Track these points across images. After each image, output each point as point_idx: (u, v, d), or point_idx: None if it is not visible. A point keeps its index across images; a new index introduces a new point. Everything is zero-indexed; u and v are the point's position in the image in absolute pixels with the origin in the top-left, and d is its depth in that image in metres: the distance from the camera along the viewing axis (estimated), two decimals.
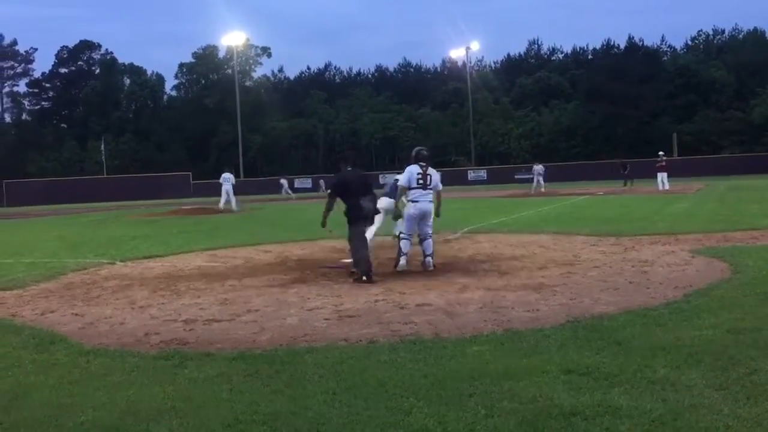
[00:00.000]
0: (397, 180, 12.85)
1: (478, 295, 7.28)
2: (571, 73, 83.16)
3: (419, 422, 3.72)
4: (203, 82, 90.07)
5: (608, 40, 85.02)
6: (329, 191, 9.43)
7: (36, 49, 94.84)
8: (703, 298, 6.59)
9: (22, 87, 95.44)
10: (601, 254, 10.18)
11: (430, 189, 9.65)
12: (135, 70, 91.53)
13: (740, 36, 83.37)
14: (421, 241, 9.66)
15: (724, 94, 72.21)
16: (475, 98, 76.33)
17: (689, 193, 29.04)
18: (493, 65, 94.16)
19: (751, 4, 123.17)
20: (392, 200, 11.46)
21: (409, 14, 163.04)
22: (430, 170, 9.73)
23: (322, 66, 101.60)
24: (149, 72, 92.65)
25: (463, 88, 77.12)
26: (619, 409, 3.75)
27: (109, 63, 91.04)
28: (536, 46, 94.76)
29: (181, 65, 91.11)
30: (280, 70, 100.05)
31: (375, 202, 9.34)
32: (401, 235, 9.67)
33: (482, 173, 67.90)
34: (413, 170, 9.59)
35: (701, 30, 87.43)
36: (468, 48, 76.63)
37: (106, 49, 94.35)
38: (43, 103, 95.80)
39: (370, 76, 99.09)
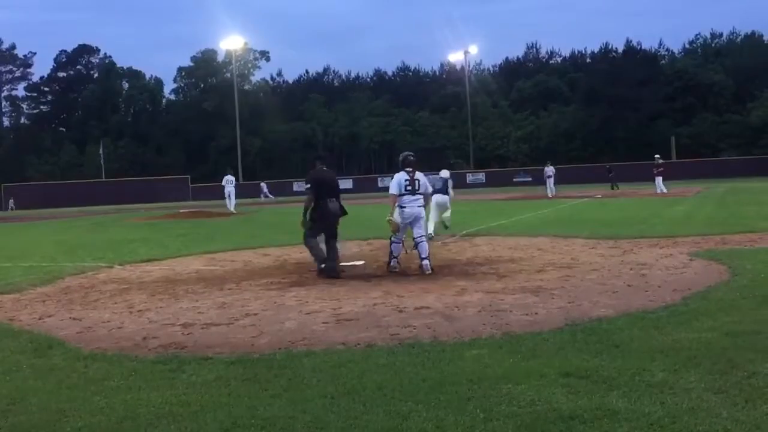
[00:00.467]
0: (441, 177, 15.75)
1: (477, 298, 7.27)
2: (570, 77, 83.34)
3: (418, 426, 3.71)
4: (202, 85, 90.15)
5: (606, 43, 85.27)
6: (307, 187, 9.68)
7: (35, 53, 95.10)
8: (702, 301, 6.59)
9: (20, 91, 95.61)
10: (600, 257, 10.18)
11: (420, 194, 9.82)
12: (134, 74, 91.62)
13: (738, 39, 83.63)
14: (416, 245, 9.73)
15: (722, 97, 72.39)
16: (473, 102, 76.46)
17: (688, 195, 29.06)
18: (491, 69, 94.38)
19: (748, 8, 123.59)
20: (446, 196, 15.05)
21: (407, 18, 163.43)
22: (418, 175, 9.87)
23: (320, 70, 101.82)
24: (148, 76, 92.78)
25: (462, 91, 77.24)
26: (618, 413, 3.74)
27: (108, 67, 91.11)
28: (534, 49, 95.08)
29: (179, 69, 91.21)
30: (279, 74, 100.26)
31: (340, 204, 9.74)
32: (392, 239, 9.80)
33: (481, 176, 67.97)
34: (401, 177, 9.77)
35: (699, 33, 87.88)
36: (466, 52, 76.80)
37: (105, 53, 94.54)
38: (41, 107, 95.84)
39: (368, 79, 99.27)
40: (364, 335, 5.81)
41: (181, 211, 33.44)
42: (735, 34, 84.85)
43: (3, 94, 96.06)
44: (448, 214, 15.21)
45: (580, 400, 3.96)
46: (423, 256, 9.57)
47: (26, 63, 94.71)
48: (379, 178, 70.73)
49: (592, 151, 69.18)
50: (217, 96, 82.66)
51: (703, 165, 59.85)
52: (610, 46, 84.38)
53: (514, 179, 64.07)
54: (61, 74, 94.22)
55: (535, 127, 77.28)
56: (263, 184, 51.07)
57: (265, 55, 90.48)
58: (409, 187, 9.71)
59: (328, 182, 9.76)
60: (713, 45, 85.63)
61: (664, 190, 31.07)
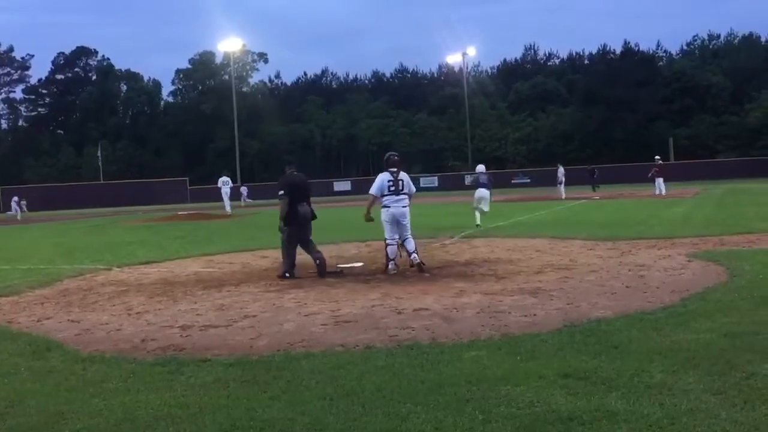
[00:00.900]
0: (482, 172, 18.10)
1: (475, 300, 7.27)
2: (568, 78, 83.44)
3: (417, 428, 3.71)
4: (200, 88, 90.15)
5: (604, 45, 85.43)
6: (281, 193, 9.82)
7: (32, 56, 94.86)
8: (700, 302, 6.59)
9: (18, 93, 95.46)
10: (598, 258, 10.19)
11: (404, 193, 9.90)
12: (132, 77, 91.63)
13: (735, 41, 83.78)
14: (403, 242, 9.90)
15: (720, 99, 72.50)
16: (471, 103, 76.52)
17: (686, 197, 29.09)
18: (489, 70, 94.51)
19: (746, 9, 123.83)
20: (486, 191, 17.30)
21: (405, 20, 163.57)
22: (402, 175, 9.97)
23: (318, 72, 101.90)
24: (146, 78, 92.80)
25: (460, 93, 77.29)
26: (617, 414, 3.74)
27: (106, 69, 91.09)
28: (532, 51, 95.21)
29: (177, 71, 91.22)
30: (277, 76, 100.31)
31: (311, 207, 9.94)
32: (386, 241, 9.86)
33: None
34: (384, 178, 9.89)
35: (697, 35, 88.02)
36: (464, 53, 76.82)
37: (103, 56, 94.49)
38: (39, 109, 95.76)
39: (366, 81, 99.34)
40: (362, 337, 5.81)
41: (180, 213, 33.42)
42: (732, 36, 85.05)
43: (1, 97, 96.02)
44: (487, 208, 17.36)
45: (579, 401, 3.96)
46: (411, 250, 9.77)
47: (24, 65, 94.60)
48: None
49: (590, 152, 69.19)
50: (216, 98, 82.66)
51: (701, 166, 59.95)
52: (608, 48, 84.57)
53: (513, 181, 64.11)
54: (59, 76, 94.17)
55: (533, 128, 77.33)
56: (244, 188, 50.36)
57: (263, 57, 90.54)
58: (392, 188, 9.84)
59: (300, 186, 9.94)
60: (711, 46, 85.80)
61: (663, 192, 31.04)
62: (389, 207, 9.84)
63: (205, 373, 4.91)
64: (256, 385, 4.59)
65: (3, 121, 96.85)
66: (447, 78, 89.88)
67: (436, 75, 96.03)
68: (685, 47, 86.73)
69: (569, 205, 26.73)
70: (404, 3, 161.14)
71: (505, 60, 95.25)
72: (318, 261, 9.72)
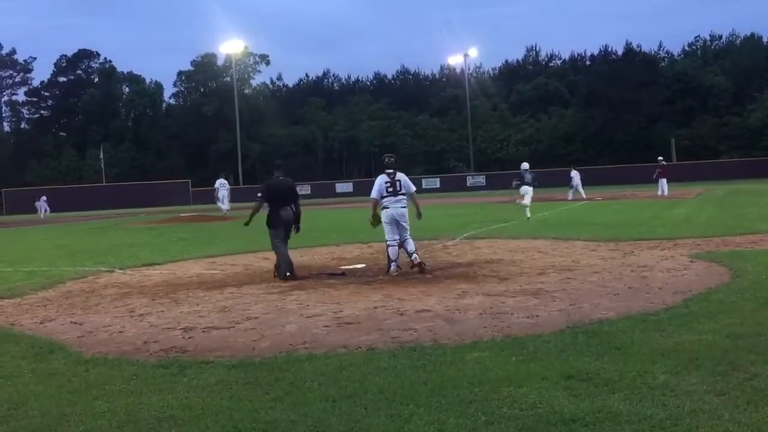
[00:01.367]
0: (526, 170, 21.59)
1: (478, 301, 7.27)
2: (569, 79, 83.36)
3: (419, 429, 3.71)
4: (202, 90, 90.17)
5: (606, 46, 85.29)
6: (258, 195, 10.26)
7: (35, 58, 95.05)
8: (703, 303, 6.59)
9: (20, 96, 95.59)
10: (601, 259, 10.18)
11: (402, 194, 9.97)
12: (134, 79, 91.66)
13: (737, 41, 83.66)
14: (402, 243, 9.96)
15: (722, 99, 72.38)
16: (473, 105, 76.48)
17: (688, 198, 29.06)
18: (491, 72, 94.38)
19: (748, 10, 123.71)
20: (530, 188, 20.78)
21: (407, 22, 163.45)
22: (399, 176, 10.04)
23: (320, 73, 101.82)
24: (148, 80, 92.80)
25: (462, 94, 77.25)
26: (620, 415, 3.74)
27: (108, 71, 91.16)
28: (534, 52, 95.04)
29: (179, 73, 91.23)
30: (279, 78, 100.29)
31: (297, 210, 10.07)
32: (387, 242, 9.88)
33: (481, 179, 67.96)
34: (381, 180, 9.99)
35: (698, 36, 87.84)
36: (466, 55, 76.78)
37: (105, 58, 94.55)
38: (42, 111, 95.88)
39: (368, 83, 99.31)
40: (365, 338, 5.81)
41: (182, 215, 33.45)
42: (734, 36, 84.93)
43: (3, 99, 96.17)
44: (529, 202, 20.45)
45: (582, 402, 3.95)
46: (410, 250, 9.84)
47: (26, 68, 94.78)
48: None
49: (592, 153, 69.18)
50: (217, 100, 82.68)
51: (703, 167, 59.85)
52: (609, 49, 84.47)
53: (514, 182, 64.05)
54: (62, 79, 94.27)
55: (535, 129, 77.27)
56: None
57: (264, 59, 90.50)
58: (390, 189, 9.92)
59: (280, 190, 10.11)
60: (713, 47, 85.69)
61: (665, 193, 30.98)
62: (388, 208, 9.92)
63: (208, 375, 4.91)
64: (258, 386, 4.59)
65: (5, 124, 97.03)
66: (448, 79, 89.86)
67: (437, 76, 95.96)
68: (686, 48, 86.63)
69: (572, 206, 26.71)
70: (406, 5, 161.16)
71: (506, 61, 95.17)
72: (287, 274, 9.83)
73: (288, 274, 9.63)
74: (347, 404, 4.13)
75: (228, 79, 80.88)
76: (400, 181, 9.96)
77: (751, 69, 72.67)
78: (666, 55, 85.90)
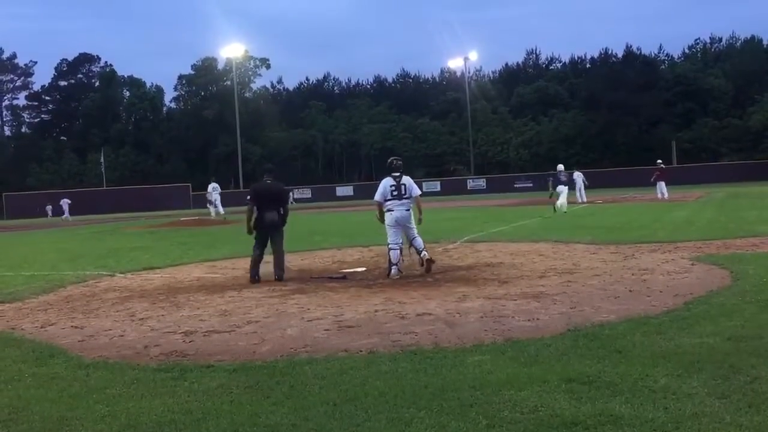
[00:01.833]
0: (561, 171, 24.16)
1: (478, 304, 7.26)
2: (570, 82, 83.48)
3: None
4: (202, 93, 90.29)
5: (606, 48, 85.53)
6: (248, 198, 10.50)
7: (35, 62, 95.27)
8: (704, 306, 6.58)
9: (21, 100, 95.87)
10: (601, 262, 10.17)
11: (407, 198, 9.96)
12: (134, 83, 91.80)
13: (737, 44, 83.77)
14: (410, 242, 9.98)
15: (722, 102, 72.47)
16: (473, 108, 76.59)
17: (689, 200, 29.06)
18: (491, 75, 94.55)
19: (747, 13, 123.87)
20: (565, 187, 23.72)
21: (407, 25, 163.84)
22: (404, 179, 10.03)
23: (320, 77, 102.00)
24: (148, 84, 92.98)
25: (462, 97, 77.38)
26: (621, 419, 3.73)
27: (109, 75, 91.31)
28: (534, 55, 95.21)
29: (180, 77, 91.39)
30: (279, 82, 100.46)
31: (282, 213, 10.20)
32: (390, 246, 9.84)
33: (481, 182, 68.03)
34: (386, 183, 9.96)
35: (698, 38, 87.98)
36: (466, 58, 76.95)
37: (106, 62, 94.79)
38: (42, 115, 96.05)
39: (368, 86, 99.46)
40: (366, 342, 5.81)
41: (182, 219, 33.49)
42: (734, 39, 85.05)
43: (4, 103, 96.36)
44: (565, 201, 23.53)
45: (583, 406, 3.95)
46: (420, 249, 9.88)
47: (27, 72, 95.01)
48: None
49: (592, 156, 69.24)
50: (218, 104, 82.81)
51: (704, 170, 59.85)
52: (609, 52, 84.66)
53: (515, 185, 64.11)
54: (62, 83, 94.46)
55: (536, 132, 77.34)
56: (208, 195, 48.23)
57: (265, 62, 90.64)
58: (395, 192, 9.90)
59: (266, 194, 10.27)
60: (713, 50, 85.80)
61: (665, 195, 30.96)
62: (393, 211, 9.89)
63: (209, 379, 4.91)
64: (259, 390, 4.59)
65: (6, 128, 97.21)
66: (449, 82, 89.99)
67: (438, 79, 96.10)
68: (686, 51, 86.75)
69: (572, 209, 26.72)
70: (406, 8, 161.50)
71: (506, 64, 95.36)
72: (277, 277, 10.01)
73: (256, 278, 9.89)
74: (348, 408, 4.13)
75: (228, 82, 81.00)
76: (405, 184, 9.94)
77: (752, 71, 72.74)
78: (666, 57, 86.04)
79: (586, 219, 20.42)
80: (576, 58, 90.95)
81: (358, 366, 5.03)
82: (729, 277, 8.25)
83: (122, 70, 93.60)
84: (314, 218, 31.84)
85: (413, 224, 10.03)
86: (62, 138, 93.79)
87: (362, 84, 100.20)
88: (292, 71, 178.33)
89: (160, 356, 5.73)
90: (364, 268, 10.84)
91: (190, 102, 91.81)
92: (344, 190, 71.92)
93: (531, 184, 61.75)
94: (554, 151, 72.90)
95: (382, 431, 3.76)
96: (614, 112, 69.47)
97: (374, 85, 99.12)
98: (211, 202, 33.57)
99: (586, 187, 32.71)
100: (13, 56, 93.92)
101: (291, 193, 62.65)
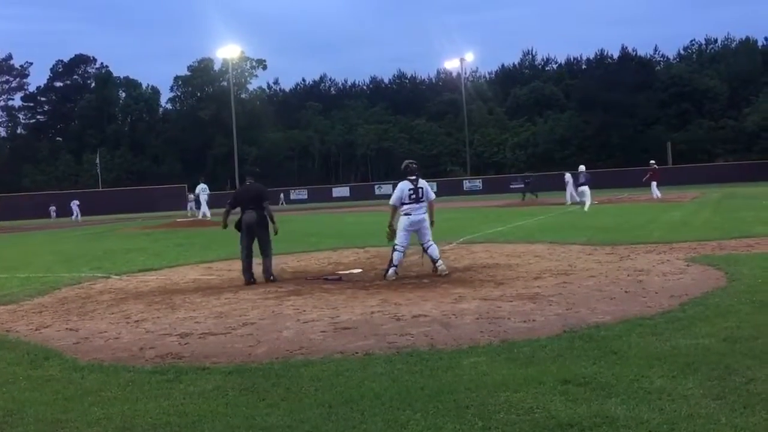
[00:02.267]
0: (582, 172, 26.14)
1: (474, 306, 7.26)
2: (565, 83, 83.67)
3: None
4: (199, 94, 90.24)
5: (601, 50, 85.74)
6: (228, 201, 10.84)
7: (31, 64, 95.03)
8: (699, 307, 6.58)
9: (17, 101, 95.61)
10: (597, 263, 10.19)
11: (423, 201, 9.90)
12: (130, 84, 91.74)
13: (732, 45, 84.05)
14: (426, 249, 9.91)
15: (718, 103, 72.71)
16: (469, 109, 76.66)
17: (684, 201, 29.12)
18: (487, 76, 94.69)
19: (742, 14, 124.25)
20: (587, 187, 25.85)
21: (403, 27, 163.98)
22: (421, 182, 9.98)
23: (317, 78, 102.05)
24: (144, 85, 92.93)
25: (458, 98, 77.45)
26: (616, 420, 3.74)
27: (104, 76, 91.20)
28: (530, 56, 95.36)
29: (176, 78, 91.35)
30: (276, 82, 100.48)
31: (262, 214, 10.23)
32: (395, 247, 9.78)
33: (477, 183, 68.08)
34: (404, 187, 9.85)
35: (694, 39, 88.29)
36: (462, 59, 76.89)
37: (101, 63, 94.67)
38: (38, 116, 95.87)
39: (365, 87, 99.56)
40: (361, 344, 5.80)
41: (178, 220, 33.42)
42: (729, 40, 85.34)
43: None
44: (589, 200, 25.67)
45: (579, 407, 3.95)
46: (435, 257, 9.80)
47: (23, 73, 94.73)
48: (376, 186, 70.82)
49: (588, 157, 69.31)
50: (214, 105, 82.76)
51: (699, 170, 60.00)
52: (605, 53, 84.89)
53: (511, 186, 64.17)
54: (58, 84, 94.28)
55: (531, 133, 77.49)
56: (191, 195, 44.60)
57: (261, 63, 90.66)
58: (413, 196, 9.81)
59: (245, 195, 10.54)
60: (708, 51, 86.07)
61: (658, 195, 31.00)
62: (410, 215, 9.78)
63: (204, 381, 4.90)
64: (255, 392, 4.58)
65: (2, 129, 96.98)
66: (445, 83, 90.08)
67: (434, 81, 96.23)
68: (682, 52, 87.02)
69: (568, 209, 26.74)
70: (402, 10, 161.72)
71: (503, 65, 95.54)
72: (266, 278, 10.05)
73: (251, 280, 9.92)
74: (344, 410, 4.12)
75: (225, 83, 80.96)
76: (422, 188, 9.89)
77: (746, 73, 73.02)
78: (661, 58, 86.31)
79: (582, 220, 20.44)
80: (572, 59, 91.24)
81: (354, 368, 5.02)
82: (724, 278, 8.26)
83: (118, 72, 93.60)
84: (310, 219, 31.82)
85: (428, 228, 9.96)
86: (58, 139, 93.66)
87: (358, 85, 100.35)
88: (289, 72, 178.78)
89: (155, 358, 5.71)
90: (360, 270, 10.83)
91: (187, 103, 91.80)
92: (340, 191, 71.92)
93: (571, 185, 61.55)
94: (550, 151, 73.10)
95: None
96: (610, 112, 69.64)
97: (370, 86, 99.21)
98: (199, 203, 33.51)
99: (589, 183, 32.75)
100: (9, 57, 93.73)
101: (281, 195, 62.76)
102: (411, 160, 10.33)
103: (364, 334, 6.20)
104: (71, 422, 4.19)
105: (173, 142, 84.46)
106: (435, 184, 68.23)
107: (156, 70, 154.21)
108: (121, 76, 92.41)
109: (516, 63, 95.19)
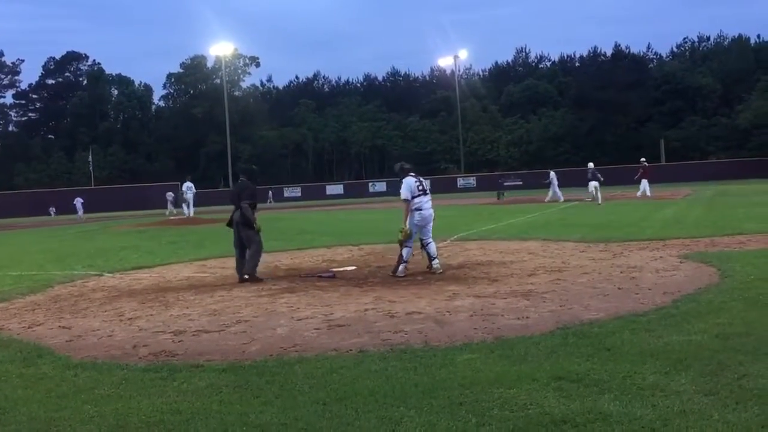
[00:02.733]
0: (590, 168, 28.47)
1: (468, 303, 7.27)
2: (559, 81, 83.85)
3: (410, 431, 3.71)
4: (192, 92, 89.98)
5: (595, 47, 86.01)
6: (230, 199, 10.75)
7: (23, 61, 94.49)
8: (692, 304, 6.61)
9: (8, 98, 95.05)
10: (590, 260, 10.21)
11: (429, 194, 10.02)
12: (123, 81, 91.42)
13: (725, 43, 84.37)
14: (425, 246, 9.88)
15: (710, 101, 73.04)
16: (463, 106, 76.73)
17: (677, 198, 29.22)
18: (481, 73, 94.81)
19: (735, 12, 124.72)
20: (596, 182, 28.08)
21: (397, 24, 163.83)
22: (421, 178, 10.11)
23: (310, 75, 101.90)
24: (137, 83, 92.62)
25: (452, 96, 77.50)
26: (610, 416, 3.75)
27: (97, 74, 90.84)
28: (524, 54, 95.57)
29: (169, 75, 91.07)
30: (269, 80, 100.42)
31: (246, 212, 10.05)
32: (407, 243, 9.72)
33: (471, 180, 68.13)
34: (411, 181, 9.86)
35: (686, 37, 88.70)
36: (456, 56, 77.00)
37: (94, 60, 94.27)
38: (30, 114, 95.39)
39: (358, 85, 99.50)
40: (355, 341, 5.80)
41: (171, 218, 33.35)
42: (722, 38, 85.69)
43: None
44: (600, 196, 27.56)
45: (572, 403, 3.96)
46: (433, 256, 9.80)
47: (14, 70, 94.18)
48: (370, 183, 70.82)
49: (581, 154, 69.51)
50: (207, 102, 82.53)
51: (692, 168, 60.25)
52: (598, 51, 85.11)
53: (505, 183, 64.25)
54: (50, 81, 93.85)
55: (525, 131, 77.62)
56: (170, 194, 45.43)
57: (254, 61, 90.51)
58: (420, 188, 9.86)
59: (233, 193, 10.61)
60: (701, 49, 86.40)
61: (648, 194, 31.05)
62: (422, 210, 9.76)
63: (198, 379, 4.89)
64: (249, 390, 4.57)
65: None
66: (439, 81, 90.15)
67: (428, 78, 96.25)
68: (675, 49, 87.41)
69: (561, 207, 26.81)
70: (396, 7, 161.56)
71: (496, 63, 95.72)
72: (240, 277, 9.99)
73: (245, 276, 9.87)
74: (338, 407, 4.12)
75: (218, 81, 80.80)
76: (426, 181, 10.03)
77: (739, 70, 73.34)
78: (654, 56, 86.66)
79: (575, 217, 20.49)
80: (565, 57, 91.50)
81: (347, 365, 5.02)
82: (717, 274, 8.30)
83: (110, 69, 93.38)
84: (304, 217, 31.80)
85: (431, 225, 9.96)
86: (50, 137, 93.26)
87: (352, 82, 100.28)
88: (282, 70, 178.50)
89: (148, 356, 5.70)
90: (354, 267, 10.83)
91: (179, 101, 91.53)
92: (334, 188, 71.86)
93: (521, 183, 61.90)
94: (544, 149, 73.23)
95: (372, 430, 3.76)
96: (603, 110, 69.83)
97: (364, 83, 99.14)
98: (186, 201, 33.45)
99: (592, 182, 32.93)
100: (0, 54, 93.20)
101: (269, 192, 62.56)
102: (403, 162, 10.42)
103: (358, 331, 6.20)
104: (64, 420, 4.17)
105: (166, 140, 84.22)
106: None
107: (148, 67, 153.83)
108: (114, 74, 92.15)
109: (509, 60, 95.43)
